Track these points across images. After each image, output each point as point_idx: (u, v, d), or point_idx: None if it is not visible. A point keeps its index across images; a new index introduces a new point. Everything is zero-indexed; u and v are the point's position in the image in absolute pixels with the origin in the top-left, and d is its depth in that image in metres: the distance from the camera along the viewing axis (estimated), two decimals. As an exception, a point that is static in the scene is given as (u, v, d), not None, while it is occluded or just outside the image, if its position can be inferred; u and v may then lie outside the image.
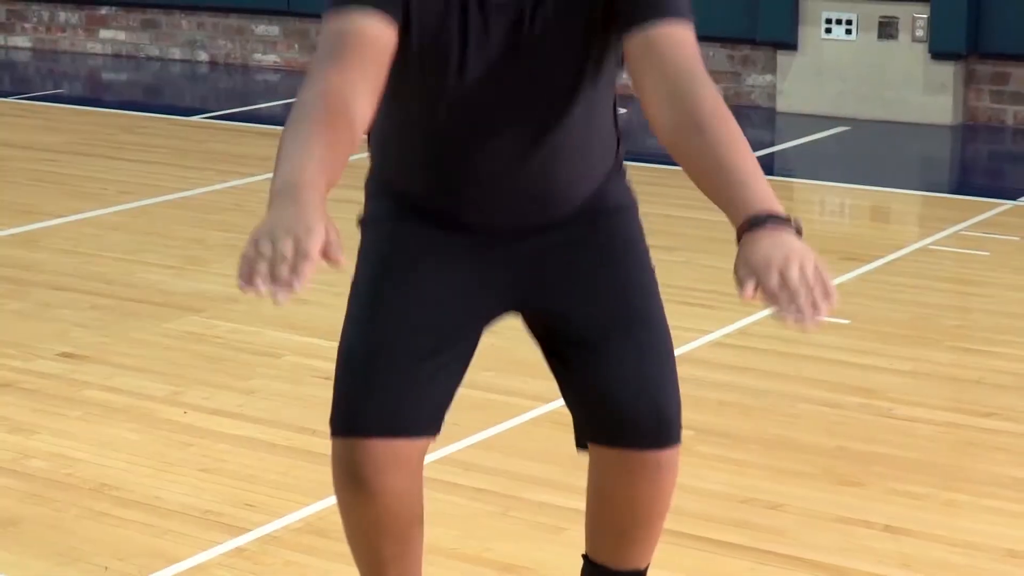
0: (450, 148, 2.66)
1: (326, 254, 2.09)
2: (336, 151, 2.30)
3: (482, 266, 2.71)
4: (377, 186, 2.80)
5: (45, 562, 3.55)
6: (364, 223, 2.81)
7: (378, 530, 2.69)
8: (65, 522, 3.77)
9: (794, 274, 2.14)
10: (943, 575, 3.52)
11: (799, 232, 2.22)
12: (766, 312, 5.36)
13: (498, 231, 2.71)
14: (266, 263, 2.05)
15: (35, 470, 4.06)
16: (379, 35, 2.50)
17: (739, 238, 2.24)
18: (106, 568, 3.53)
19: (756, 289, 2.15)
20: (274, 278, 2.04)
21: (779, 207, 2.28)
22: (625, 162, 2.87)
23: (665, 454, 2.72)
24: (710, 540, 3.67)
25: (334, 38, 2.49)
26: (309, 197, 2.17)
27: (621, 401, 2.67)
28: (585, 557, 2.91)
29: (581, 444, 2.79)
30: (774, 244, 2.18)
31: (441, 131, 2.65)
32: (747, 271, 2.17)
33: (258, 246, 2.07)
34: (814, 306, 2.13)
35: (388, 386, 2.62)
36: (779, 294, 2.14)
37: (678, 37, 2.49)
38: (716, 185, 2.36)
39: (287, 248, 2.05)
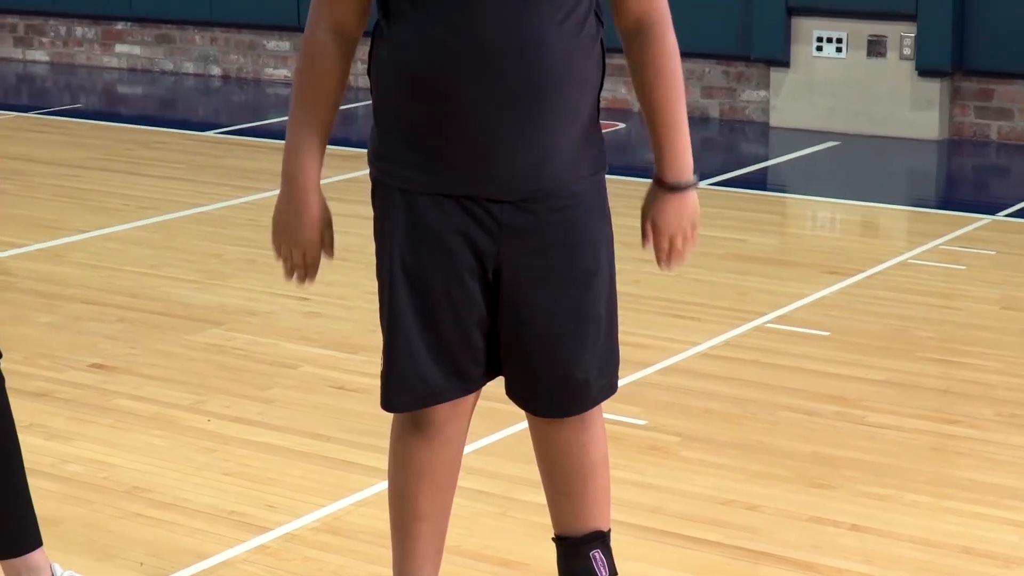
0: (443, 64, 2.86)
1: (324, 251, 3.04)
2: (331, 116, 3.03)
3: (474, 240, 2.94)
4: (382, 144, 3.00)
5: (85, 558, 3.79)
6: (376, 190, 3.03)
7: (428, 474, 3.04)
8: (102, 522, 4.03)
9: (678, 243, 3.04)
10: (902, 570, 3.79)
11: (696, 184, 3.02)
12: (751, 325, 5.65)
13: (485, 179, 2.91)
14: (291, 265, 3.04)
15: (73, 474, 4.30)
16: None
17: (656, 184, 3.02)
18: (141, 564, 3.78)
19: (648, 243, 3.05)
20: (298, 278, 3.06)
21: (690, 170, 3.00)
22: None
23: (576, 420, 3.04)
24: (689, 537, 3.93)
25: None
26: (311, 199, 2.99)
27: (536, 372, 3.01)
28: (554, 539, 3.17)
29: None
30: (677, 212, 3.01)
31: (433, 50, 2.87)
32: (651, 228, 3.04)
33: (281, 251, 3.04)
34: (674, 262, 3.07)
35: (447, 354, 2.96)
36: (660, 255, 3.06)
37: None
38: (650, 124, 3.01)
39: (299, 258, 3.02)
